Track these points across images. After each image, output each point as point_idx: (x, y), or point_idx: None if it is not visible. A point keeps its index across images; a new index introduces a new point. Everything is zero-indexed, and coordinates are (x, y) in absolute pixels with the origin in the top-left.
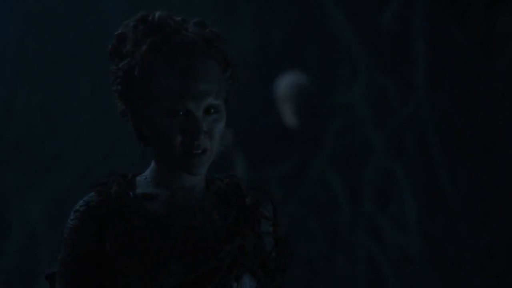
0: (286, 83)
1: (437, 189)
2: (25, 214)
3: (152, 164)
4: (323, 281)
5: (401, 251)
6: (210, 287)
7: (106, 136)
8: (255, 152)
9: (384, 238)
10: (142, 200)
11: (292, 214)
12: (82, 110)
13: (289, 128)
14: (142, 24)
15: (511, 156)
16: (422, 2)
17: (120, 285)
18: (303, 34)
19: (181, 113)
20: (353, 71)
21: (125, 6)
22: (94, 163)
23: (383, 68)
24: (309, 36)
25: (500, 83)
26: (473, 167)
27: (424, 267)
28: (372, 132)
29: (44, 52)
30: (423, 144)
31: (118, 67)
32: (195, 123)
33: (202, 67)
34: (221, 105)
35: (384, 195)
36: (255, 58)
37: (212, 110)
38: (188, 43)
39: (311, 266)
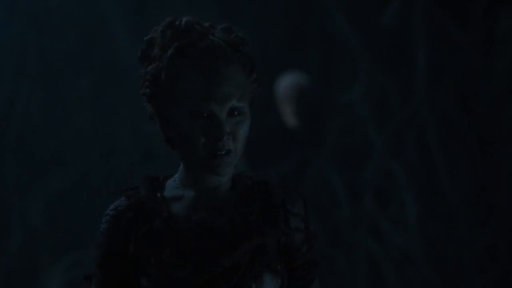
0: (286, 83)
1: (437, 189)
2: (25, 214)
3: (180, 167)
4: (323, 281)
5: (401, 250)
6: (227, 286)
7: (106, 136)
8: (256, 152)
9: (384, 238)
10: (168, 202)
11: None
12: (82, 110)
13: (289, 128)
14: (169, 29)
15: (511, 156)
16: (422, 2)
17: (143, 286)
18: (304, 34)
19: (205, 115)
20: (353, 71)
21: (126, 6)
22: (94, 163)
23: (383, 68)
24: (309, 36)
25: (500, 82)
26: (473, 167)
27: (424, 267)
28: (372, 132)
29: (44, 52)
30: (423, 144)
31: (146, 71)
32: (219, 125)
33: (226, 70)
34: (245, 107)
35: (384, 195)
36: (256, 56)
37: (236, 112)
38: (213, 47)
39: None
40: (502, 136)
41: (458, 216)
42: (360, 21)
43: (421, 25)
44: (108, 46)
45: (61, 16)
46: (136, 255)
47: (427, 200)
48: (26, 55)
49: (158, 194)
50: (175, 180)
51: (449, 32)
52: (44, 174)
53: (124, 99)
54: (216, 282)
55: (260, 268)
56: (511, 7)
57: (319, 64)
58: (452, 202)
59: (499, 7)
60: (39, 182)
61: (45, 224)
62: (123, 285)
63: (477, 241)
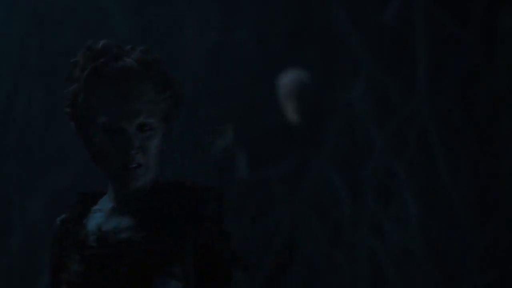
0: (287, 81)
1: (438, 188)
2: (26, 212)
3: None
4: (324, 279)
5: (402, 249)
6: None
7: None
8: (257, 150)
9: (385, 236)
10: (90, 215)
11: (293, 212)
12: None
13: (290, 127)
14: (88, 51)
15: None
16: (423, 0)
17: None
18: (305, 32)
19: (115, 131)
20: (354, 69)
21: (127, 5)
22: None
23: (384, 66)
24: (310, 34)
25: (501, 81)
26: (474, 166)
27: (425, 265)
28: (373, 130)
29: (45, 51)
30: (424, 142)
31: (68, 91)
32: (127, 140)
33: (136, 89)
34: (155, 123)
35: (386, 193)
36: (256, 55)
37: (145, 128)
38: (125, 67)
39: (313, 264)
40: (503, 135)
41: (459, 215)
42: (361, 19)
43: (421, 24)
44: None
45: (62, 15)
46: (56, 268)
47: (428, 199)
48: (26, 54)
49: (92, 208)
50: (108, 194)
51: (449, 31)
52: (44, 174)
53: None
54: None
55: (152, 273)
56: (511, 6)
57: (321, 62)
58: (453, 201)
59: (500, 5)
60: (40, 181)
61: (46, 222)
62: None
63: (478, 240)
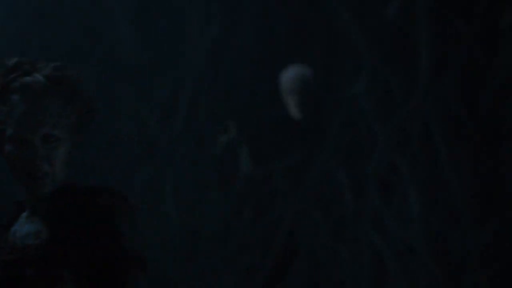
0: (291, 76)
1: (441, 182)
2: None
3: None
4: (327, 274)
5: (405, 244)
6: None
7: (107, 133)
8: (260, 145)
9: (388, 231)
10: (15, 222)
11: (296, 207)
12: None
13: (293, 122)
14: (1, 68)
15: None
16: None
17: None
18: (308, 27)
19: (21, 142)
20: (356, 66)
21: (128, 4)
22: (96, 158)
23: (387, 62)
24: (313, 30)
25: (503, 76)
26: (477, 160)
27: (427, 260)
28: (376, 125)
29: (46, 47)
30: (427, 137)
31: None
32: (32, 150)
33: (42, 102)
34: (61, 134)
35: (388, 189)
36: (259, 51)
37: (51, 139)
38: (34, 82)
39: (315, 259)
40: (506, 129)
41: (461, 212)
42: (364, 14)
43: (424, 18)
44: (109, 42)
45: (63, 11)
46: None
47: (431, 193)
48: (26, 54)
49: (22, 214)
50: None
51: (453, 25)
52: None
53: (126, 95)
54: None
55: (45, 278)
56: None
57: (324, 58)
58: (455, 198)
59: (502, 4)
60: None
61: None
62: None
63: (480, 235)
